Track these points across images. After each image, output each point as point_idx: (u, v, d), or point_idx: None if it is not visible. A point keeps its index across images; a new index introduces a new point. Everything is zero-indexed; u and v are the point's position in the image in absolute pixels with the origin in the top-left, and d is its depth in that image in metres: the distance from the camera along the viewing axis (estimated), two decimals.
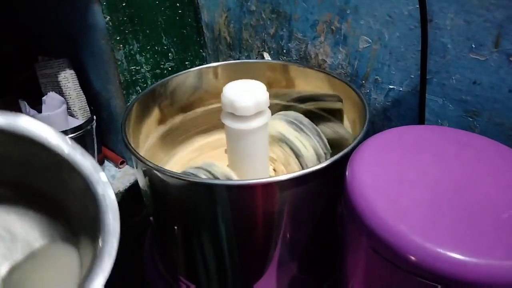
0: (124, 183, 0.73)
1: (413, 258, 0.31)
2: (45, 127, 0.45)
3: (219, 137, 0.66)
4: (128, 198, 0.74)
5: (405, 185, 0.36)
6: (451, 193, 0.35)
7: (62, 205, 0.51)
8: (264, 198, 0.41)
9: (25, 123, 0.44)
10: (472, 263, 0.30)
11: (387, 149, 0.40)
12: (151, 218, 0.54)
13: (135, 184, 0.73)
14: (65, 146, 0.44)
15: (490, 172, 0.37)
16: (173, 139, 0.63)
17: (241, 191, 0.40)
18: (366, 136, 0.44)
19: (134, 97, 0.65)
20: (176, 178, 0.41)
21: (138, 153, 0.44)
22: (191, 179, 0.41)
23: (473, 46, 0.47)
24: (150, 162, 0.42)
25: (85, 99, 0.70)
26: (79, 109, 0.70)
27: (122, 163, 0.76)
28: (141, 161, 0.42)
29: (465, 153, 0.39)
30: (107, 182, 0.45)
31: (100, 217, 0.42)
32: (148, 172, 0.45)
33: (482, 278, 0.30)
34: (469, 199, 0.34)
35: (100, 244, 0.41)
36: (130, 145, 0.46)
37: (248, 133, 0.49)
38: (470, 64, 0.48)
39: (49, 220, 0.52)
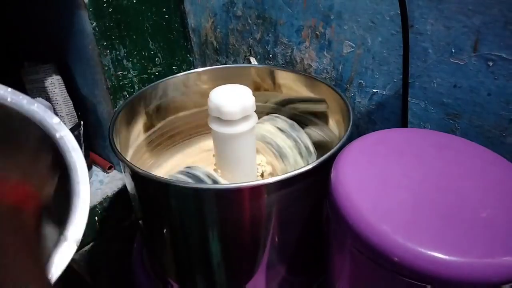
0: (112, 188, 0.73)
1: (395, 257, 0.32)
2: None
3: (206, 142, 0.67)
4: (117, 203, 0.74)
5: (388, 187, 0.37)
6: (432, 194, 0.36)
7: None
8: (252, 201, 0.41)
9: None
10: (452, 262, 0.31)
11: (371, 152, 0.41)
12: (140, 222, 0.54)
13: (123, 189, 0.74)
14: (8, 95, 0.42)
15: (470, 173, 0.38)
16: (160, 143, 0.64)
17: (228, 195, 0.41)
18: (351, 138, 0.45)
19: (121, 102, 0.66)
20: (162, 182, 0.41)
21: (124, 158, 0.44)
22: (177, 184, 0.41)
23: (453, 50, 0.48)
24: (136, 166, 0.43)
25: (72, 105, 0.70)
26: (66, 115, 0.70)
27: (110, 168, 0.76)
28: (128, 165, 0.43)
29: (445, 155, 0.41)
30: (60, 122, 0.42)
31: (65, 160, 0.39)
32: (135, 177, 0.45)
33: (462, 276, 0.31)
34: (450, 200, 0.36)
35: (70, 185, 0.39)
36: (117, 149, 0.46)
37: (235, 137, 0.50)
38: (450, 68, 0.49)
39: None
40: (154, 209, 0.48)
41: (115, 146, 0.46)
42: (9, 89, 0.42)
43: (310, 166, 0.41)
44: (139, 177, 0.44)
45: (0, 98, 0.42)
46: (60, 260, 0.33)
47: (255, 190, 0.41)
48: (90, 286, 0.69)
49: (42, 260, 0.33)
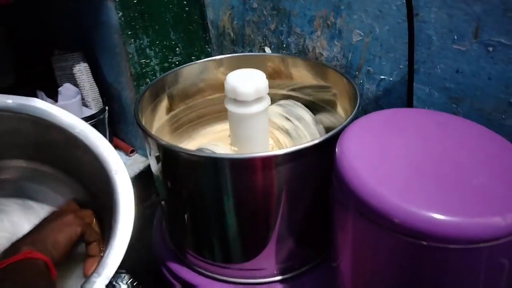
0: (134, 170, 0.78)
1: (392, 217, 0.35)
2: (57, 108, 0.49)
3: (223, 126, 0.71)
4: (138, 184, 0.78)
5: (388, 156, 0.40)
6: (429, 163, 0.39)
7: (82, 181, 0.55)
8: (263, 171, 0.45)
9: (39, 104, 0.48)
10: (445, 220, 0.34)
11: (374, 127, 0.44)
12: (160, 196, 0.58)
13: (144, 171, 0.78)
14: (80, 125, 0.48)
15: (466, 147, 0.41)
16: (180, 127, 0.68)
17: (242, 164, 0.45)
18: (357, 118, 0.48)
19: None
20: (183, 153, 0.45)
21: (149, 131, 0.48)
22: (197, 153, 0.46)
23: (455, 37, 0.51)
24: (160, 138, 0.47)
25: (98, 91, 0.75)
26: (93, 100, 0.74)
27: (132, 151, 0.80)
28: (152, 137, 0.47)
29: (444, 131, 0.44)
30: (118, 159, 0.48)
31: (115, 198, 0.45)
32: (160, 151, 0.50)
33: (453, 233, 0.34)
34: (445, 168, 0.39)
35: (115, 222, 0.44)
36: (142, 124, 0.50)
37: (249, 117, 0.54)
38: (453, 54, 0.52)
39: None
40: (174, 180, 0.52)
41: (141, 122, 0.50)
42: (82, 122, 0.48)
43: (316, 141, 0.45)
44: (162, 149, 0.49)
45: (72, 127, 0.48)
46: None
47: (267, 161, 0.44)
48: None
49: None
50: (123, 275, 0.70)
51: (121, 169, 0.46)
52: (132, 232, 0.46)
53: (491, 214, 0.34)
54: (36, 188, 0.55)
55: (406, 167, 0.39)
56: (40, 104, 0.49)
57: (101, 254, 0.47)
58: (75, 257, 0.50)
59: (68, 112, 0.50)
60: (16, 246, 0.42)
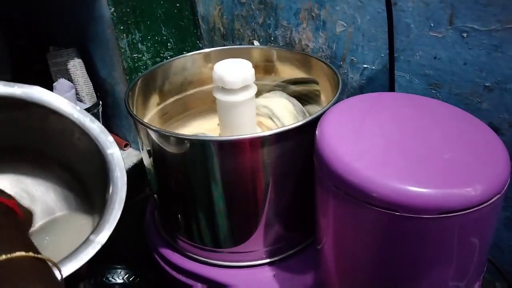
0: (127, 163, 0.79)
1: (367, 190, 0.37)
2: (57, 96, 0.52)
3: (213, 118, 0.73)
4: (131, 178, 0.80)
5: (364, 135, 0.42)
6: (403, 140, 0.41)
7: (74, 169, 0.58)
8: (249, 153, 0.47)
9: (40, 92, 0.51)
10: (415, 192, 0.36)
11: (352, 110, 0.47)
12: (152, 183, 0.60)
13: (137, 164, 0.80)
14: (75, 112, 0.51)
15: (440, 125, 0.44)
16: (170, 118, 0.70)
17: (229, 146, 0.47)
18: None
19: None
20: (174, 136, 0.48)
21: (140, 118, 0.50)
22: (186, 137, 0.48)
23: (432, 24, 0.53)
24: (150, 125, 0.49)
25: (92, 86, 0.77)
26: (87, 95, 0.77)
27: (126, 145, 0.82)
28: (143, 124, 0.49)
29: (419, 111, 0.46)
30: (113, 142, 0.52)
31: (109, 174, 0.49)
32: (150, 137, 0.52)
33: (423, 203, 0.36)
34: (418, 145, 0.41)
35: (109, 196, 0.48)
36: (132, 112, 0.52)
37: (236, 105, 0.56)
38: (430, 41, 0.54)
39: (63, 184, 0.59)
40: (165, 166, 0.54)
41: (131, 110, 0.52)
42: (78, 108, 0.51)
43: (300, 123, 0.47)
44: (152, 135, 0.51)
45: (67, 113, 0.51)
46: (84, 255, 0.44)
47: (253, 142, 0.46)
48: (107, 252, 0.76)
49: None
50: (119, 270, 0.71)
51: (115, 148, 0.50)
52: (125, 219, 0.49)
53: (462, 186, 0.37)
54: None
55: (381, 144, 0.41)
56: (41, 91, 0.52)
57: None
58: None
59: (66, 100, 0.52)
60: None
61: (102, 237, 0.46)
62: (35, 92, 0.51)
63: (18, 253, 0.34)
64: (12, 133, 0.54)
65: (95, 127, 0.51)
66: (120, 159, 0.51)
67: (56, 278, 0.37)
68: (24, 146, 0.57)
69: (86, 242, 0.45)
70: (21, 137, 0.55)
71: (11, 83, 0.51)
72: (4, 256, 0.33)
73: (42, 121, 0.53)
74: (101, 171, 0.52)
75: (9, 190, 0.48)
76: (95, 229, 0.47)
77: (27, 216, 0.50)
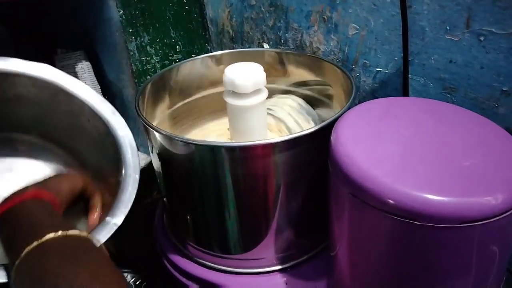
0: None
1: (385, 198, 0.36)
2: (68, 76, 0.51)
3: (223, 122, 0.72)
4: (140, 181, 0.80)
5: (381, 141, 0.41)
6: (421, 146, 0.40)
7: (78, 153, 0.57)
8: (261, 159, 0.46)
9: (51, 70, 0.50)
10: (434, 200, 0.35)
11: (368, 115, 0.45)
12: (162, 188, 0.59)
13: (146, 168, 0.79)
14: (87, 92, 0.50)
15: (458, 132, 0.43)
16: (179, 122, 0.69)
17: (239, 152, 0.46)
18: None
19: None
20: (183, 141, 0.47)
21: (150, 122, 0.50)
22: (196, 142, 0.47)
23: (448, 28, 0.52)
24: (160, 129, 0.48)
25: (100, 89, 0.77)
26: None
27: None
28: (153, 128, 0.48)
29: (437, 117, 0.45)
30: (124, 123, 0.51)
31: (121, 156, 0.48)
32: (160, 141, 0.51)
33: (442, 212, 0.35)
34: (437, 152, 0.40)
35: (122, 178, 0.47)
36: (142, 115, 0.51)
37: (247, 109, 0.55)
38: (446, 45, 0.53)
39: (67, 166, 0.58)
40: (174, 171, 0.53)
41: (141, 113, 0.52)
42: (87, 86, 0.52)
43: (313, 129, 0.46)
44: (164, 138, 0.50)
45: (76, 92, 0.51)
46: (101, 237, 0.44)
47: (264, 148, 0.45)
48: (115, 256, 0.76)
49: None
50: (126, 274, 0.71)
51: (126, 130, 0.51)
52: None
53: (482, 194, 0.35)
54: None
55: (399, 150, 0.40)
56: (51, 69, 0.51)
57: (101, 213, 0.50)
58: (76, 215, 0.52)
59: (76, 79, 0.52)
60: (21, 189, 0.43)
61: (118, 219, 0.45)
62: (45, 69, 0.51)
63: (47, 236, 0.36)
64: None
65: (106, 108, 0.51)
66: (132, 140, 0.51)
67: (93, 246, 0.38)
68: (29, 128, 0.56)
69: (102, 223, 0.45)
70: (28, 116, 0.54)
71: (20, 60, 0.50)
72: (36, 243, 0.35)
73: (52, 98, 0.52)
74: (112, 153, 0.51)
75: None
76: (110, 211, 0.47)
77: (59, 194, 0.48)
